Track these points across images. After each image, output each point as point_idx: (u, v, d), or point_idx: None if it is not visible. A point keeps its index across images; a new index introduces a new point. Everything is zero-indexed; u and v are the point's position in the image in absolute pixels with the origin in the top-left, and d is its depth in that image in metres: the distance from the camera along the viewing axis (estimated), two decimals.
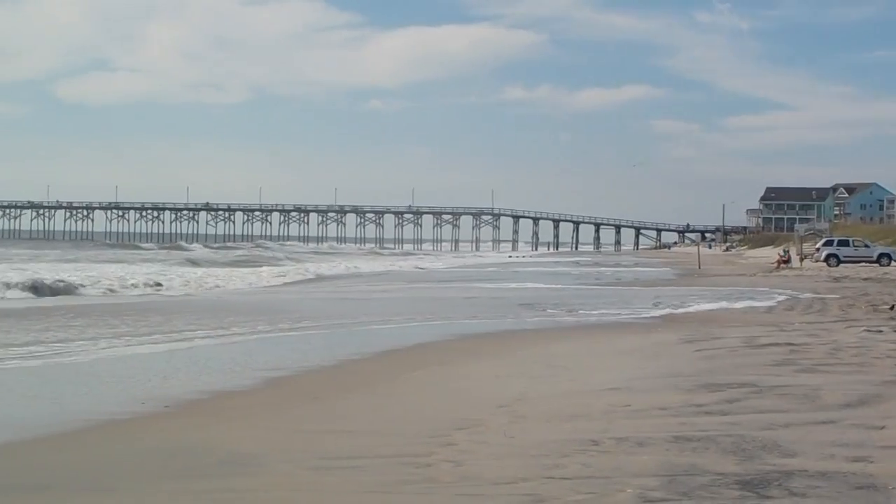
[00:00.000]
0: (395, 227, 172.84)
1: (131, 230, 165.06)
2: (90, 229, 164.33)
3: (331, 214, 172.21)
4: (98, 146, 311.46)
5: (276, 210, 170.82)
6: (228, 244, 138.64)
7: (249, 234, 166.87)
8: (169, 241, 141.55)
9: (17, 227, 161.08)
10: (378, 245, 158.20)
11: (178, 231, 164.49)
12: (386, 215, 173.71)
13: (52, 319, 24.01)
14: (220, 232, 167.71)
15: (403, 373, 15.85)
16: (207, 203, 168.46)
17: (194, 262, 69.66)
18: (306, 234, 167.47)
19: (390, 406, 12.73)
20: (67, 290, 35.68)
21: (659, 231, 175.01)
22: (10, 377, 15.06)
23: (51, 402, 13.03)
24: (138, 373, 15.79)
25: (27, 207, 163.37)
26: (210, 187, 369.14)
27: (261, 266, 65.43)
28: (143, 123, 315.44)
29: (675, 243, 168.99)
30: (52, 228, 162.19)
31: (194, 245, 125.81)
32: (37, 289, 34.84)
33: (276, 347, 19.74)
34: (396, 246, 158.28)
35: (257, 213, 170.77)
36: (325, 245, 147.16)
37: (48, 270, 46.12)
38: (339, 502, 7.77)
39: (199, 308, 29.74)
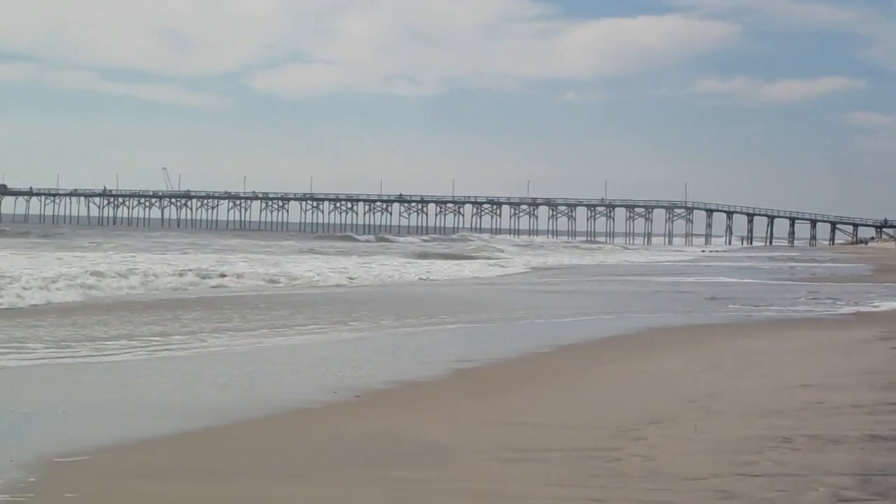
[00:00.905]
0: (587, 219, 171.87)
1: (325, 221, 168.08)
2: (285, 220, 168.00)
3: (523, 207, 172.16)
4: (293, 138, 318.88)
5: (469, 202, 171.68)
6: (436, 236, 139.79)
7: (441, 225, 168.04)
8: (364, 233, 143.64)
9: (214, 218, 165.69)
10: (571, 237, 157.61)
11: (372, 223, 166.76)
12: (578, 208, 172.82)
13: (262, 309, 24.67)
14: (413, 223, 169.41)
15: (593, 366, 15.79)
16: (401, 194, 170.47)
17: (422, 255, 70.59)
18: (498, 227, 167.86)
19: (579, 399, 12.70)
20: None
21: (855, 226, 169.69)
22: (205, 363, 15.55)
23: (244, 390, 13.35)
24: (329, 362, 16.09)
25: (224, 198, 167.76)
26: (403, 178, 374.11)
27: (473, 259, 66.53)
28: (337, 115, 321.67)
29: (872, 238, 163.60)
30: (247, 219, 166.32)
31: (412, 238, 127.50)
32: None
33: (466, 338, 19.85)
34: (589, 239, 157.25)
35: (450, 204, 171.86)
36: (521, 238, 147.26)
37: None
38: (528, 494, 7.78)
39: (396, 297, 30.17)
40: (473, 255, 75.21)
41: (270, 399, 12.41)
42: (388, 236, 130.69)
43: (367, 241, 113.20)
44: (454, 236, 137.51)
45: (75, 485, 8.08)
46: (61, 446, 9.45)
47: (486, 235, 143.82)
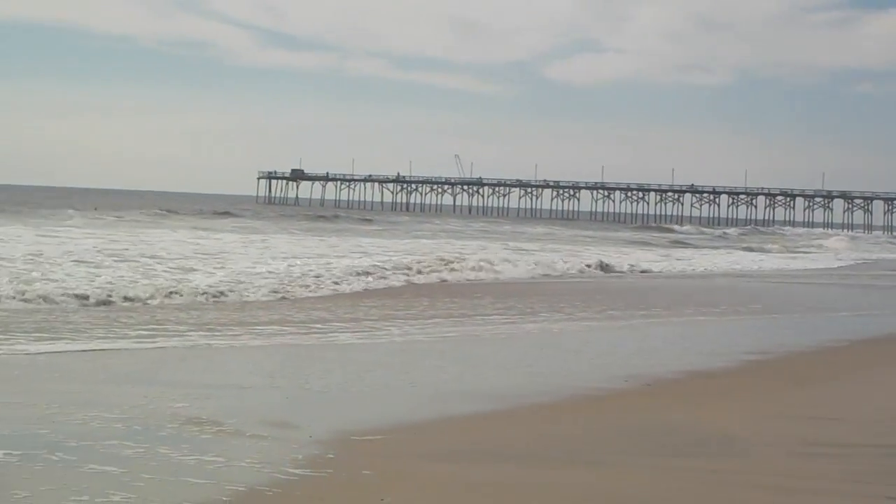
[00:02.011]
0: (885, 213, 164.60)
1: (616, 210, 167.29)
2: (576, 209, 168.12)
3: (817, 199, 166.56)
4: (584, 126, 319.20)
5: (762, 194, 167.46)
6: (747, 228, 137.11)
7: (734, 217, 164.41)
8: (653, 223, 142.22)
9: (505, 205, 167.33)
10: (867, 231, 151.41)
11: (663, 213, 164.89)
12: (875, 201, 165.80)
13: (552, 294, 24.82)
14: (704, 214, 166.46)
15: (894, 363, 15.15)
16: (692, 185, 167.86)
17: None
18: (791, 219, 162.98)
19: (875, 395, 12.20)
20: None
21: None
22: (491, 348, 15.72)
23: (531, 374, 13.38)
24: (619, 349, 16.01)
25: (515, 185, 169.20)
26: (695, 169, 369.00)
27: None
28: (628, 104, 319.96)
29: None
30: (538, 207, 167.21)
31: (736, 229, 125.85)
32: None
33: (756, 330, 19.39)
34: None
35: (742, 196, 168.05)
36: (818, 231, 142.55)
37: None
38: (825, 490, 7.53)
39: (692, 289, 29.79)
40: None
41: (558, 385, 12.40)
42: (704, 228, 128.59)
43: (687, 232, 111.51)
44: (763, 230, 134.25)
45: (371, 462, 8.24)
46: (356, 424, 9.67)
47: (800, 230, 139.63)
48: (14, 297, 18.89)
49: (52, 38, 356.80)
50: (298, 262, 30.98)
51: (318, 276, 26.84)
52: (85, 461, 7.86)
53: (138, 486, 7.26)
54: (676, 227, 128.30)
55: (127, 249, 33.35)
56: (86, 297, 19.71)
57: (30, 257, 27.58)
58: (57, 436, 8.61)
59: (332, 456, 8.42)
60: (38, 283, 20.99)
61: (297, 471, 7.90)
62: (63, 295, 19.61)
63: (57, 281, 21.55)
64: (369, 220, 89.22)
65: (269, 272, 27.33)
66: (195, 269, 26.91)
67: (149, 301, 20.28)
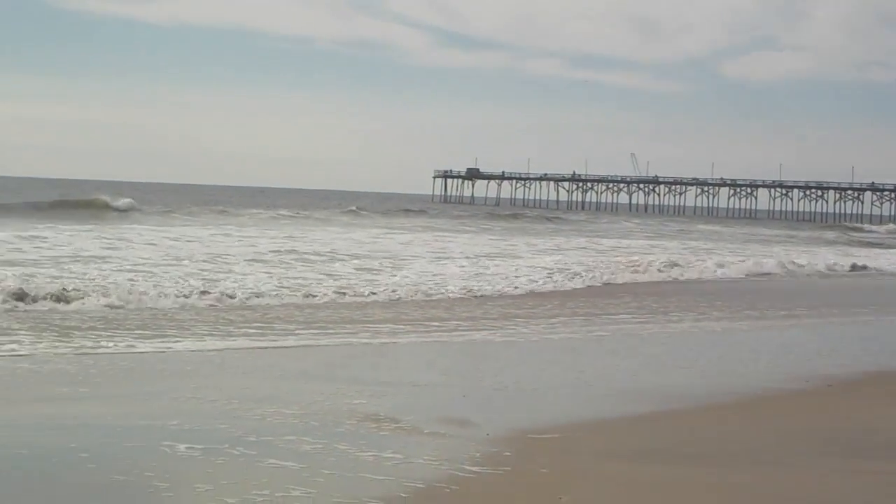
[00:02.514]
0: None
1: (794, 209, 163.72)
2: (753, 207, 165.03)
3: None
4: (761, 124, 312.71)
5: None
6: None
7: None
8: (832, 221, 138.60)
9: (681, 204, 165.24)
10: None
11: (842, 211, 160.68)
12: None
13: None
14: (885, 213, 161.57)
15: None
16: (873, 183, 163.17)
17: None
18: None
19: None
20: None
21: None
22: (669, 346, 15.46)
23: (708, 374, 13.13)
24: (798, 349, 15.59)
25: (692, 184, 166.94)
26: (875, 167, 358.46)
27: None
28: (806, 101, 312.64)
29: None
30: (715, 205, 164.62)
31: None
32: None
33: None
34: None
35: None
36: None
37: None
38: None
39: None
40: None
41: (736, 384, 12.17)
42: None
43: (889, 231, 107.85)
44: None
45: (547, 461, 8.18)
46: (532, 422, 9.63)
47: None
48: (185, 297, 19.30)
49: (230, 42, 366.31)
50: (493, 262, 31.34)
51: (508, 276, 27.05)
52: (265, 456, 7.95)
53: (317, 482, 7.31)
54: (867, 226, 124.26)
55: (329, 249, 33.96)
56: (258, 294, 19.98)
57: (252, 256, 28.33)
58: (237, 431, 8.74)
59: (509, 454, 8.36)
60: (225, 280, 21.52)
61: (474, 468, 7.86)
62: (242, 292, 19.98)
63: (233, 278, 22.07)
64: (559, 219, 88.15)
65: (461, 269, 27.84)
66: (379, 270, 27.23)
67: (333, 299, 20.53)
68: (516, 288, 24.74)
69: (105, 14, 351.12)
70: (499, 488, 7.43)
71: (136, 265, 24.05)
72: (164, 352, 13.18)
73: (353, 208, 79.29)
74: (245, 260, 27.40)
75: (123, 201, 57.64)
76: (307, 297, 20.37)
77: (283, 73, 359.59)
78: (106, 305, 17.47)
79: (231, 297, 19.41)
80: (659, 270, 31.94)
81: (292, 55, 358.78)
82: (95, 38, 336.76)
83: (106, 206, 55.02)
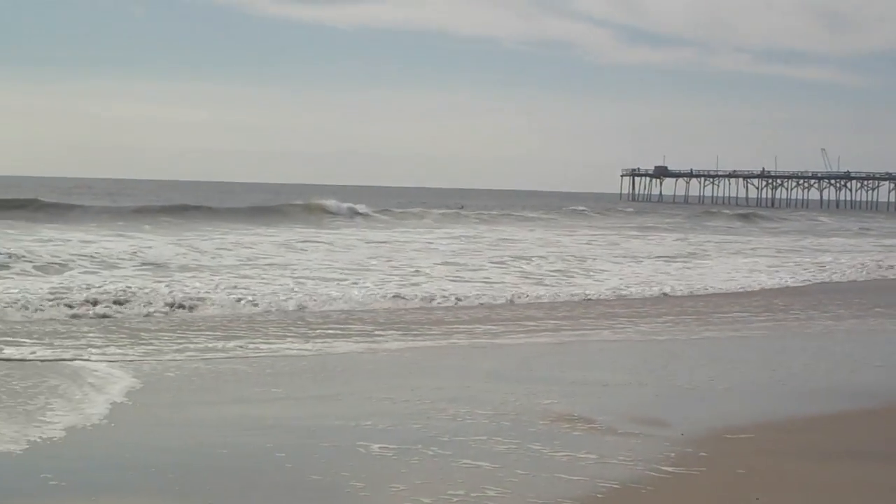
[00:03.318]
0: None
1: None
2: None
3: None
4: None
5: None
6: None
7: None
8: None
9: (874, 199, 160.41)
10: None
11: None
12: None
13: None
14: None
15: None
16: None
17: None
18: None
19: None
20: None
21: None
22: (868, 346, 15.02)
23: None
24: None
25: (885, 179, 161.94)
26: None
27: None
28: None
29: None
30: None
31: None
32: None
33: None
34: None
35: None
36: None
37: None
38: None
39: None
40: None
41: None
42: None
43: None
44: None
45: (743, 461, 8.03)
46: (727, 422, 9.47)
47: None
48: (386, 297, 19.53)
49: (416, 43, 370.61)
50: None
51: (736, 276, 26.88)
52: (459, 456, 7.96)
53: (512, 482, 7.28)
54: None
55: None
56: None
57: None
58: (430, 431, 8.79)
59: (704, 454, 8.23)
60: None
61: (669, 469, 7.75)
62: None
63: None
64: (763, 217, 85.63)
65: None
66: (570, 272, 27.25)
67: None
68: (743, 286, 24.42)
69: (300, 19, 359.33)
70: (695, 489, 7.32)
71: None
72: (365, 352, 13.39)
73: (582, 208, 79.48)
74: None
75: (346, 206, 57.86)
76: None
77: (469, 73, 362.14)
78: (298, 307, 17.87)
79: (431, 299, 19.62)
80: None
81: (478, 56, 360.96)
82: (289, 43, 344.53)
83: (321, 210, 55.35)
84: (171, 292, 18.07)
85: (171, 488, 7.04)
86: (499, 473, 7.50)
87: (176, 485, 7.11)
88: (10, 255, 23.03)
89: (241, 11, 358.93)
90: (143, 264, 24.25)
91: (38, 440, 8.21)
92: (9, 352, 12.22)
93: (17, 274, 20.86)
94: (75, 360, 11.88)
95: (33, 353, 12.21)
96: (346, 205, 57.81)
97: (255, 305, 17.69)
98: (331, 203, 57.10)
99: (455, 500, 6.84)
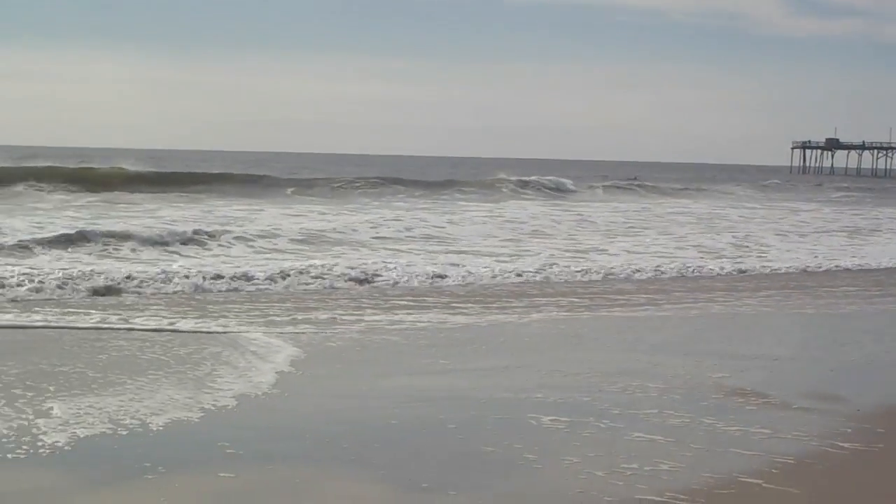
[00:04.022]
0: None
1: None
2: None
3: None
4: None
5: None
6: None
7: None
8: None
9: None
10: None
11: None
12: None
13: None
14: None
15: None
16: None
17: None
18: None
19: None
20: None
21: None
22: None
23: None
24: None
25: None
26: None
27: None
28: None
29: None
30: None
31: None
32: None
33: None
34: None
35: None
36: None
37: None
38: None
39: None
40: None
41: None
42: None
43: None
44: None
45: None
46: None
47: None
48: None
49: (585, 18, 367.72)
50: None
51: None
52: (630, 429, 7.94)
53: (685, 456, 7.24)
54: None
55: None
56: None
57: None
58: (601, 403, 8.76)
59: (882, 430, 8.09)
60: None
61: (846, 445, 7.62)
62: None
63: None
64: None
65: None
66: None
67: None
68: None
69: None
70: (871, 466, 7.20)
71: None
72: (530, 323, 13.45)
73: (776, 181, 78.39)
74: None
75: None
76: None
77: (638, 46, 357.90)
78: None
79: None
80: None
81: (647, 29, 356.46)
82: (460, 17, 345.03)
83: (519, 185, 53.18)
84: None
85: (345, 458, 7.13)
86: (672, 447, 7.46)
87: (350, 455, 7.20)
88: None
89: None
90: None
91: (212, 407, 8.40)
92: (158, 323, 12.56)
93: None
94: (227, 331, 12.09)
95: (201, 324, 12.56)
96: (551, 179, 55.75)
97: (442, 278, 17.84)
98: (550, 179, 55.35)
99: (629, 472, 6.83)
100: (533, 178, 54.54)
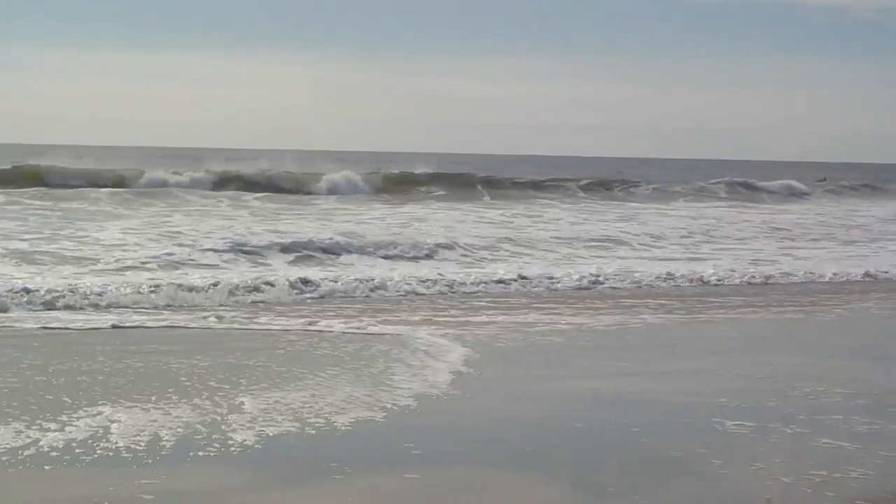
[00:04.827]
0: None
1: None
2: None
3: None
4: None
5: None
6: None
7: None
8: None
9: None
10: None
11: None
12: None
13: None
14: None
15: None
16: None
17: None
18: None
19: None
20: None
21: None
22: None
23: None
24: None
25: None
26: None
27: None
28: None
29: None
30: None
31: None
32: None
33: None
34: None
35: None
36: None
37: None
38: None
39: None
40: None
41: None
42: None
43: None
44: None
45: None
46: None
47: None
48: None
49: (770, 15, 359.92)
50: None
51: None
52: (817, 435, 7.78)
53: (875, 464, 7.07)
54: None
55: None
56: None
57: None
58: (788, 408, 8.61)
59: None
60: None
61: None
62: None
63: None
64: None
65: None
66: None
67: None
68: None
69: None
70: None
71: None
72: (701, 328, 13.31)
73: None
74: None
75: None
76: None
77: (819, 43, 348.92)
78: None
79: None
80: None
81: (828, 27, 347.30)
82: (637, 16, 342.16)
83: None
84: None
85: (529, 461, 7.14)
86: (860, 454, 7.28)
87: (534, 458, 7.21)
88: None
89: None
90: None
91: (393, 407, 8.50)
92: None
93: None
94: (382, 332, 12.24)
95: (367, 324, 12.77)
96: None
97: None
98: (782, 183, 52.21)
99: (817, 480, 6.69)
100: (762, 182, 51.99)
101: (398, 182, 43.10)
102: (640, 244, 24.61)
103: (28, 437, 7.40)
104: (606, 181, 49.65)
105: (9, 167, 39.12)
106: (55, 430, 7.56)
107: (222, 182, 39.11)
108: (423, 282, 16.43)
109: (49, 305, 13.46)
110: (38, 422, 7.78)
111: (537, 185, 46.14)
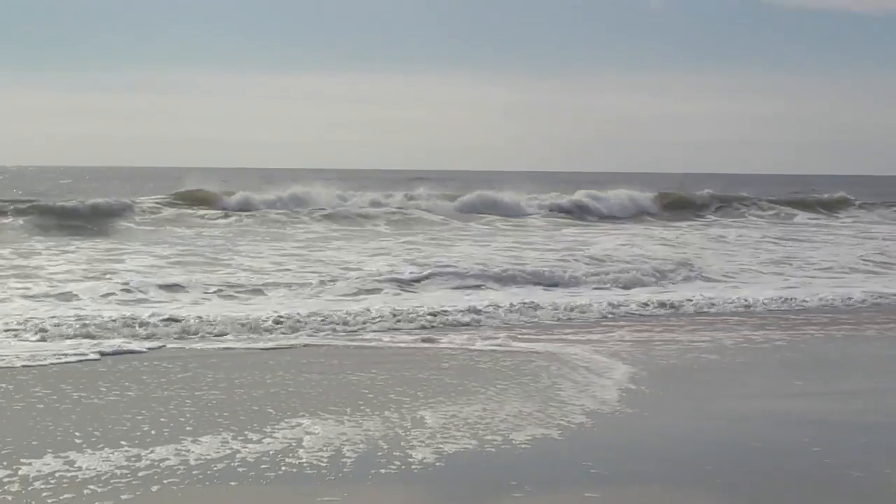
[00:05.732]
0: None
1: None
2: None
3: None
4: None
5: None
6: None
7: None
8: None
9: None
10: None
11: None
12: None
13: None
14: None
15: None
16: None
17: None
18: None
19: None
20: None
21: None
22: None
23: None
24: None
25: None
26: None
27: None
28: None
29: None
30: None
31: None
32: None
33: None
34: None
35: None
36: None
37: None
38: None
39: None
40: None
41: None
42: None
43: None
44: None
45: None
46: None
47: None
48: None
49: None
50: None
51: None
52: None
53: None
54: None
55: None
56: None
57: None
58: None
59: None
60: None
61: None
62: None
63: None
64: None
65: None
66: None
67: None
68: None
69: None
70: None
71: None
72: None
73: None
74: None
75: None
76: None
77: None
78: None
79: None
80: None
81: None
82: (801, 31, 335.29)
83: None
84: None
85: (710, 482, 7.12)
86: None
87: (715, 478, 7.19)
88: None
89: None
90: None
91: (567, 424, 8.53)
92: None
93: None
94: (531, 350, 12.24)
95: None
96: None
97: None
98: None
99: None
100: None
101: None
102: None
103: (230, 448, 7.67)
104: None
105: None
106: (254, 442, 7.84)
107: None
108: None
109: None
110: (244, 432, 8.09)
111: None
